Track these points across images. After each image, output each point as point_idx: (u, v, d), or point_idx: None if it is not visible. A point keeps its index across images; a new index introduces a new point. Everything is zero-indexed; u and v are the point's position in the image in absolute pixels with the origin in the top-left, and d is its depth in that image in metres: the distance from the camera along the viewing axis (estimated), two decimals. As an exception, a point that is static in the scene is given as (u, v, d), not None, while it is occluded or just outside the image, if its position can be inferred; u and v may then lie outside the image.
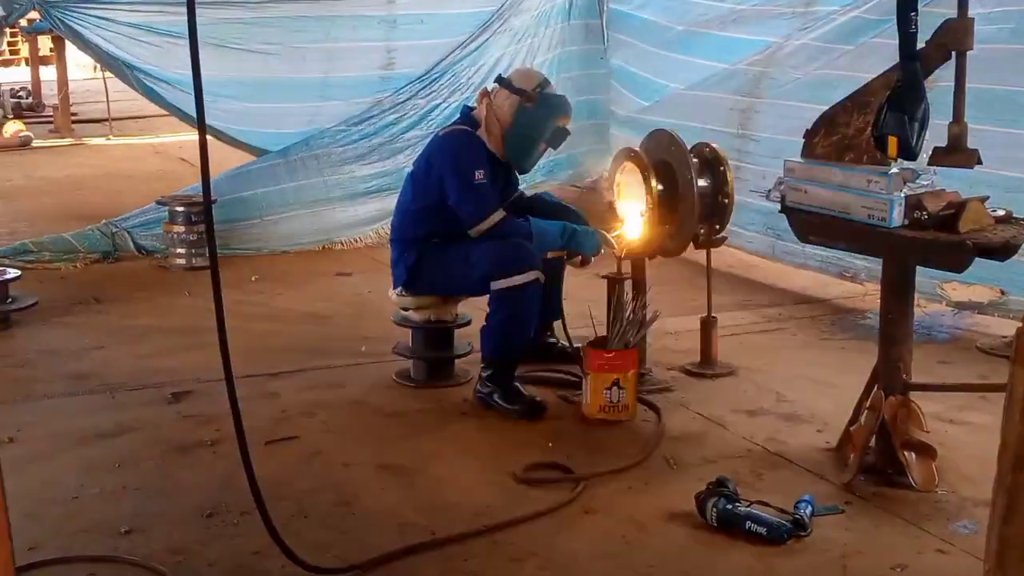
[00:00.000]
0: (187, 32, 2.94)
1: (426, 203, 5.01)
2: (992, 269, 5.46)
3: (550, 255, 5.08)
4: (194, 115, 3.12)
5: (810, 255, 6.68)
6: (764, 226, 6.83)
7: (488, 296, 4.87)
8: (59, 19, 7.44)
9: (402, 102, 8.31)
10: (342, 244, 7.99)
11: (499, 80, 5.06)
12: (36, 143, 13.02)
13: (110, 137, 13.54)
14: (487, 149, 4.98)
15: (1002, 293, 5.76)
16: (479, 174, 4.86)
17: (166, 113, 8.97)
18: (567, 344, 5.28)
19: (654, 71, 8.65)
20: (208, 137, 3.21)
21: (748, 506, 3.74)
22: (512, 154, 5.04)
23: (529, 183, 8.74)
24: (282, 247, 7.83)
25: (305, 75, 8.30)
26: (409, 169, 5.26)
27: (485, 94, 5.07)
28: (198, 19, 2.96)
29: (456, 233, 4.93)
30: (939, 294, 5.95)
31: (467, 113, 5.13)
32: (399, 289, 5.15)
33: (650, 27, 8.65)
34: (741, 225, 6.94)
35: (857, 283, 6.49)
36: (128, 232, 7.62)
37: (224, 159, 8.24)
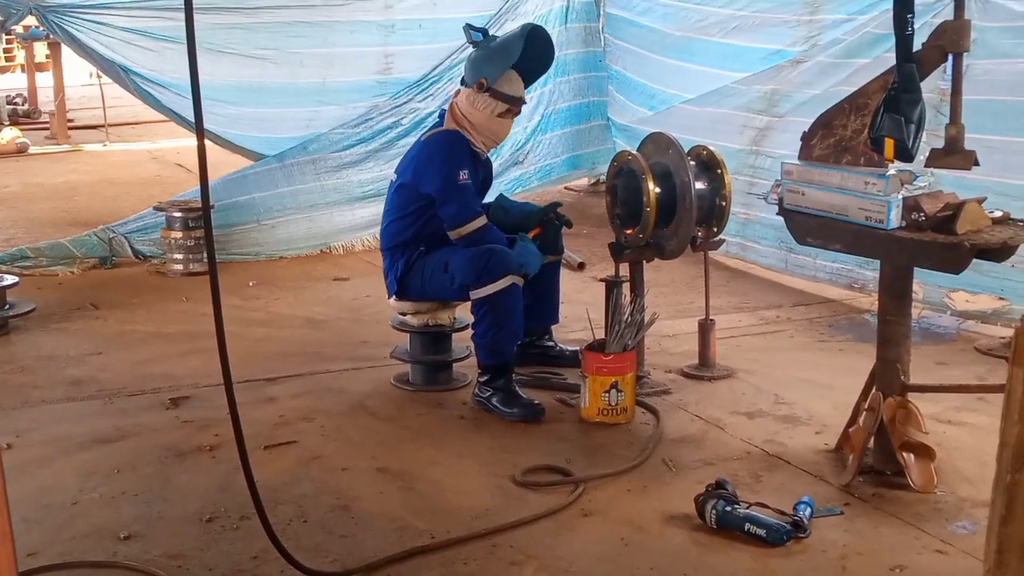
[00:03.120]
0: (184, 37, 2.95)
1: (412, 208, 5.03)
2: (998, 279, 5.47)
3: (548, 259, 5.15)
4: (191, 119, 3.13)
5: (820, 267, 6.69)
6: (777, 240, 6.82)
7: (470, 304, 4.90)
8: (56, 24, 7.45)
9: (399, 106, 8.31)
10: (340, 248, 7.99)
11: (461, 82, 5.12)
12: (32, 149, 13.02)
13: (107, 143, 13.55)
14: (471, 148, 5.03)
15: (1000, 299, 5.74)
16: (463, 174, 4.92)
17: (163, 119, 8.98)
18: (564, 348, 5.36)
19: (649, 77, 8.64)
20: (206, 142, 3.21)
21: (747, 508, 3.74)
22: (490, 140, 5.12)
23: (525, 188, 8.78)
24: (279, 252, 7.85)
25: (303, 80, 8.30)
26: (393, 179, 5.25)
27: (456, 95, 5.13)
28: (195, 23, 2.97)
29: (441, 237, 4.98)
30: (946, 304, 5.93)
31: (445, 116, 5.15)
32: (393, 298, 5.19)
33: (646, 33, 8.62)
34: (755, 239, 6.95)
35: (866, 295, 6.44)
36: (125, 237, 7.65)
37: (221, 163, 8.25)
